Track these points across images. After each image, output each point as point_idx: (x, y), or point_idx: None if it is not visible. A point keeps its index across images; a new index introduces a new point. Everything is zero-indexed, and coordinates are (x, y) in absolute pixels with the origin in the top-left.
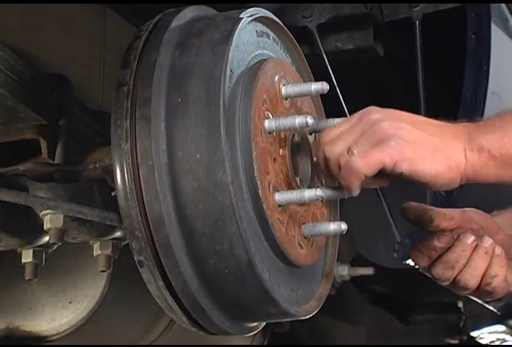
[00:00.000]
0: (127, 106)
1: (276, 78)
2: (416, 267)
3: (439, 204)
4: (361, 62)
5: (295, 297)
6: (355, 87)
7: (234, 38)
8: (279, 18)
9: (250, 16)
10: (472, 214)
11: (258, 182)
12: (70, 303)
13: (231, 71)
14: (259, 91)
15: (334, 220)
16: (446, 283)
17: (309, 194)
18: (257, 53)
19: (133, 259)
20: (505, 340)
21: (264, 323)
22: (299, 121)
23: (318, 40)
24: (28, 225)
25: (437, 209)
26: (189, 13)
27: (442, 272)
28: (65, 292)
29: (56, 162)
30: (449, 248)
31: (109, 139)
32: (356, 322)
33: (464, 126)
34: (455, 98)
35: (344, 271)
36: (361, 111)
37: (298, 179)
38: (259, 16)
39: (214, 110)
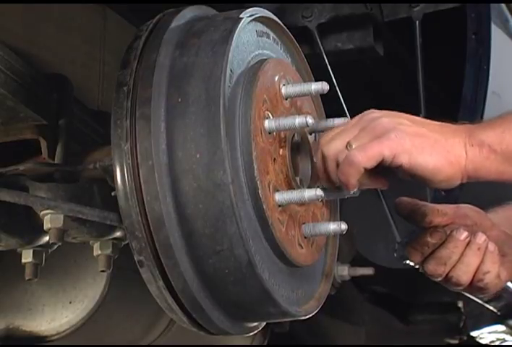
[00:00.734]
0: (127, 106)
1: (276, 78)
2: (416, 266)
3: None
4: (362, 62)
5: (295, 297)
6: (355, 87)
7: (234, 38)
8: (279, 18)
9: (250, 16)
10: (466, 210)
11: (258, 182)
12: (70, 303)
13: (231, 71)
14: (259, 91)
15: (334, 220)
16: (439, 279)
17: (309, 194)
18: (257, 53)
19: (133, 259)
20: (505, 340)
21: (264, 323)
22: (299, 121)
23: (318, 40)
24: (28, 225)
25: (431, 204)
26: (189, 13)
27: (435, 268)
28: (65, 292)
29: (56, 162)
30: (442, 244)
31: (109, 139)
32: (356, 322)
33: (464, 125)
34: (455, 98)
35: (344, 271)
36: (361, 113)
37: (298, 179)
38: (259, 16)
39: (214, 110)
